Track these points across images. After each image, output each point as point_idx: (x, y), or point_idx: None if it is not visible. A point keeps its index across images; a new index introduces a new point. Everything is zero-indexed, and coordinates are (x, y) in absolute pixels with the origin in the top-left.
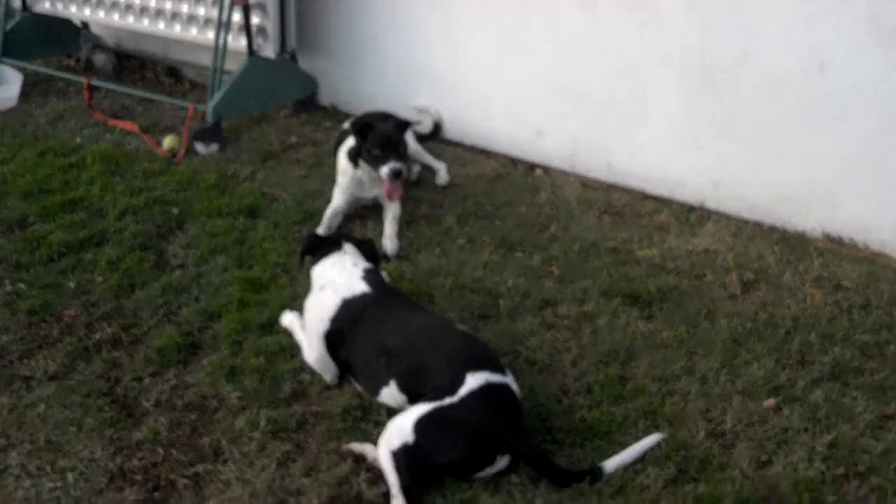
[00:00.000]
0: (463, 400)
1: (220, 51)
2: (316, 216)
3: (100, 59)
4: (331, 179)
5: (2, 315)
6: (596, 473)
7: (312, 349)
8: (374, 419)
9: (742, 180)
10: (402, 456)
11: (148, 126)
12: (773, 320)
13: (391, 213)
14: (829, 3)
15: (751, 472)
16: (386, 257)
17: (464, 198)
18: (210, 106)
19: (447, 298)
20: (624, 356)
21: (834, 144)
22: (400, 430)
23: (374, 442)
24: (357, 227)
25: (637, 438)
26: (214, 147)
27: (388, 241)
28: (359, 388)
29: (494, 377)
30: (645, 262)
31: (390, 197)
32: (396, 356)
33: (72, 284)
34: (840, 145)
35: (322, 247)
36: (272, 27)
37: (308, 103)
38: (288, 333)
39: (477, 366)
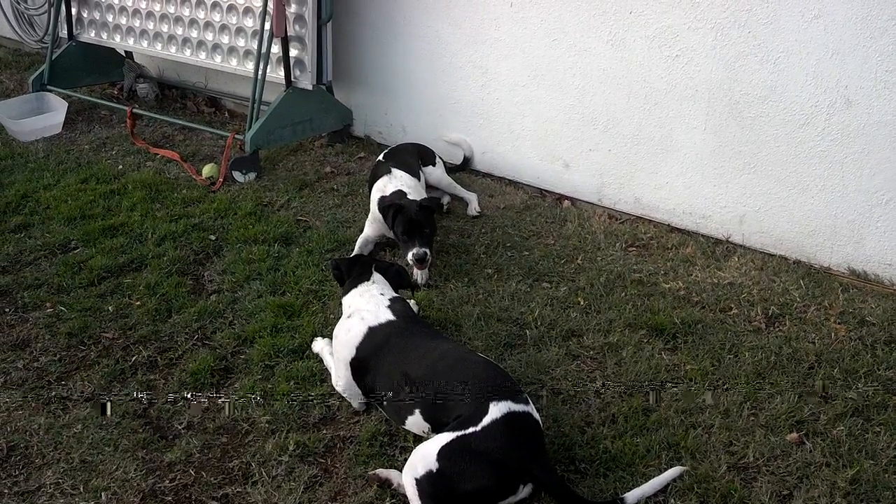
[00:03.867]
0: (486, 429)
1: (258, 82)
2: (348, 244)
3: (143, 88)
4: (363, 209)
5: (42, 337)
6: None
7: (340, 376)
8: (400, 445)
9: (767, 215)
10: (426, 483)
11: (188, 154)
12: (796, 355)
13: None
14: (856, 38)
15: None
16: (416, 286)
17: (493, 228)
18: (248, 136)
19: (474, 327)
20: (647, 388)
21: (859, 180)
22: (424, 457)
23: (400, 468)
24: (388, 254)
25: (660, 470)
26: (252, 176)
27: (419, 272)
28: (384, 413)
29: (517, 406)
30: (670, 294)
31: (418, 277)
32: (420, 385)
33: (110, 308)
34: (865, 181)
35: (351, 273)
36: (309, 59)
37: (343, 134)
38: (319, 359)
39: (499, 395)
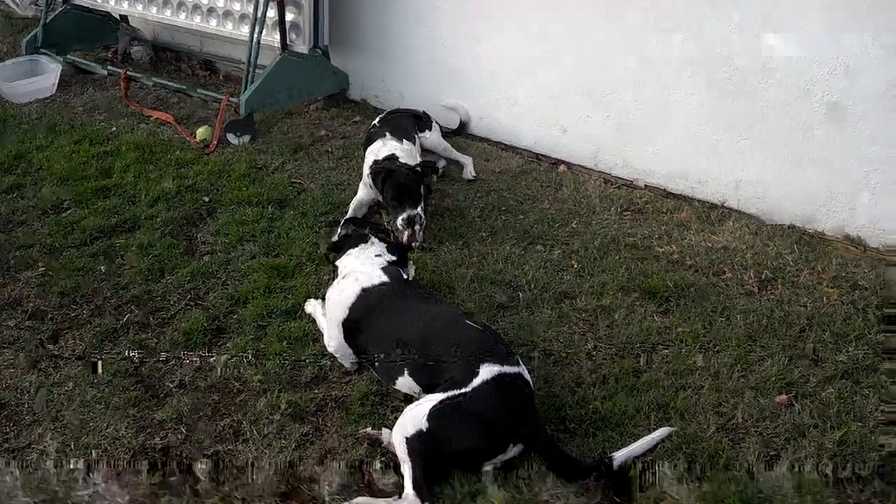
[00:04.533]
0: (476, 390)
1: (254, 46)
2: (342, 207)
3: (137, 51)
4: (357, 172)
5: (34, 296)
6: (606, 464)
7: (332, 336)
8: (391, 405)
9: (763, 181)
10: (416, 442)
11: (182, 117)
12: (788, 318)
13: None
14: (856, 11)
15: (758, 470)
16: (410, 248)
17: (488, 192)
18: (243, 99)
19: (468, 289)
20: (639, 350)
21: (856, 147)
22: (415, 417)
23: (391, 428)
24: (383, 216)
25: (648, 430)
26: (246, 138)
27: (418, 235)
28: (375, 374)
29: (507, 368)
30: (664, 258)
31: (407, 241)
32: (413, 347)
33: (103, 268)
34: (862, 148)
35: (351, 238)
36: (305, 23)
37: (339, 98)
38: (311, 320)
39: (490, 357)
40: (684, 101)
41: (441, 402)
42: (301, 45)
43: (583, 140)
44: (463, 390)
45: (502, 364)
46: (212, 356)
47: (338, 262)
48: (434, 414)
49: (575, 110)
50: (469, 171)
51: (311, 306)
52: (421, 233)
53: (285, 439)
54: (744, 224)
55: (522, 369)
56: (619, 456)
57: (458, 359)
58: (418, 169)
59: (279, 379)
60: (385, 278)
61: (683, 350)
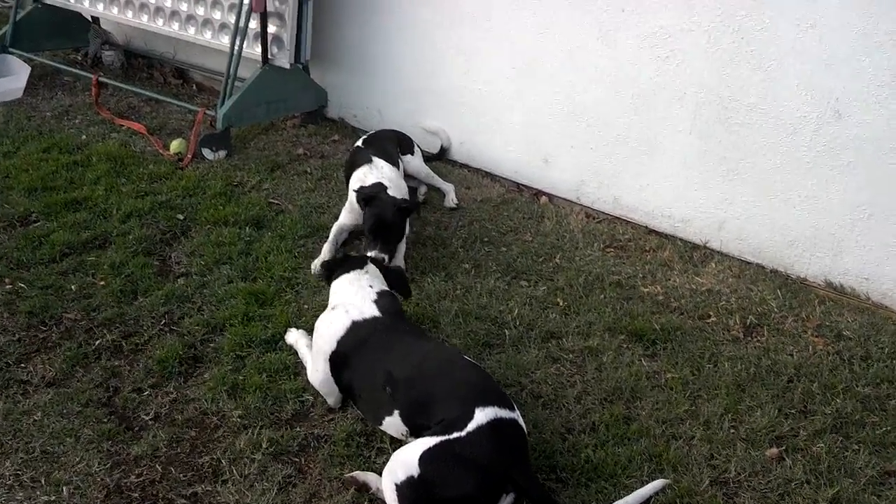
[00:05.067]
0: (471, 435)
1: (234, 57)
2: (322, 231)
3: (108, 55)
4: (337, 194)
5: (0, 315)
6: None
7: (317, 370)
8: (377, 446)
9: (748, 222)
10: (407, 489)
11: (155, 128)
12: (775, 367)
13: (399, 251)
14: (851, 51)
15: None
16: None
17: (470, 221)
18: (221, 112)
19: (452, 324)
20: (628, 395)
21: (844, 193)
22: (405, 462)
23: (377, 471)
24: (361, 244)
25: (642, 482)
26: (222, 154)
27: (396, 262)
28: (359, 413)
29: (503, 412)
30: (649, 298)
31: None
32: (403, 387)
33: (73, 287)
34: (850, 194)
35: (345, 264)
36: (288, 37)
37: (317, 115)
38: (293, 351)
39: (485, 400)
40: (673, 136)
41: (434, 445)
42: (283, 59)
43: (566, 171)
44: (457, 434)
45: (498, 408)
46: (188, 387)
47: (331, 287)
48: (426, 458)
49: (559, 140)
50: (451, 199)
51: (293, 337)
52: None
53: (268, 481)
54: (726, 266)
55: (517, 415)
56: None
57: (451, 400)
58: (405, 205)
59: (260, 414)
60: (377, 312)
61: (673, 397)
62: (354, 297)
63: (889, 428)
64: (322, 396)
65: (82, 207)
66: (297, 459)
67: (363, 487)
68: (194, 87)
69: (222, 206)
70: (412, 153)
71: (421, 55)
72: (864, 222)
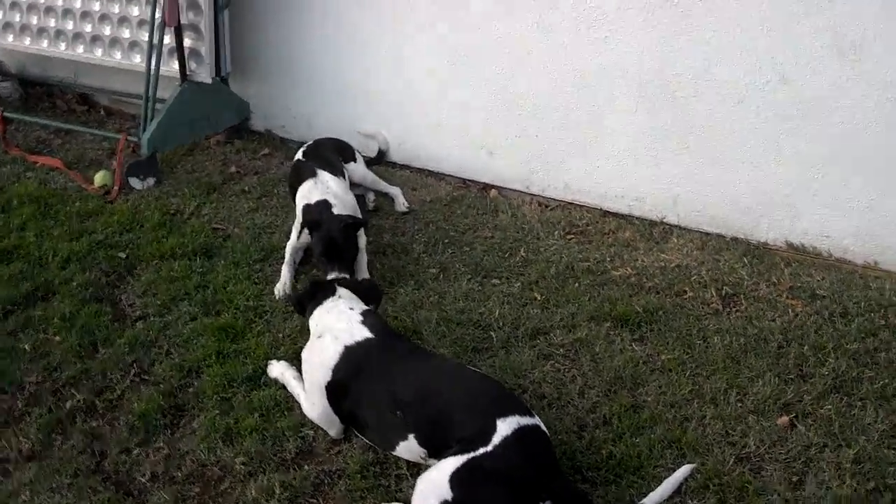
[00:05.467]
0: (497, 448)
1: (152, 77)
2: (275, 252)
3: (4, 87)
4: (283, 211)
5: None
6: None
7: (314, 403)
8: (394, 474)
9: (702, 194)
10: None
11: (72, 161)
12: (762, 335)
13: (360, 263)
14: (790, 16)
15: (789, 495)
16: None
17: (425, 224)
18: (145, 137)
19: (435, 333)
20: (630, 383)
21: (796, 155)
22: (435, 486)
23: (403, 500)
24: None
25: (667, 470)
26: (151, 181)
27: (362, 275)
28: (367, 441)
29: (525, 420)
30: (622, 281)
31: None
32: (413, 408)
33: (26, 346)
34: (802, 156)
35: (314, 294)
36: (207, 50)
37: (241, 129)
38: (279, 385)
39: (505, 410)
40: (618, 116)
41: (462, 465)
42: (203, 74)
43: (512, 162)
44: (483, 449)
45: (519, 416)
46: (179, 439)
47: (309, 322)
48: (456, 480)
49: (502, 130)
50: (402, 203)
51: (277, 370)
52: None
53: None
54: (688, 240)
55: (538, 419)
56: (650, 501)
57: (469, 415)
58: (351, 222)
59: (262, 458)
60: (368, 333)
61: (674, 379)
62: (339, 323)
63: (887, 381)
64: (322, 429)
65: (14, 257)
66: (314, 501)
67: None
68: (102, 113)
69: (164, 238)
70: (355, 160)
71: (350, 58)
72: (819, 182)
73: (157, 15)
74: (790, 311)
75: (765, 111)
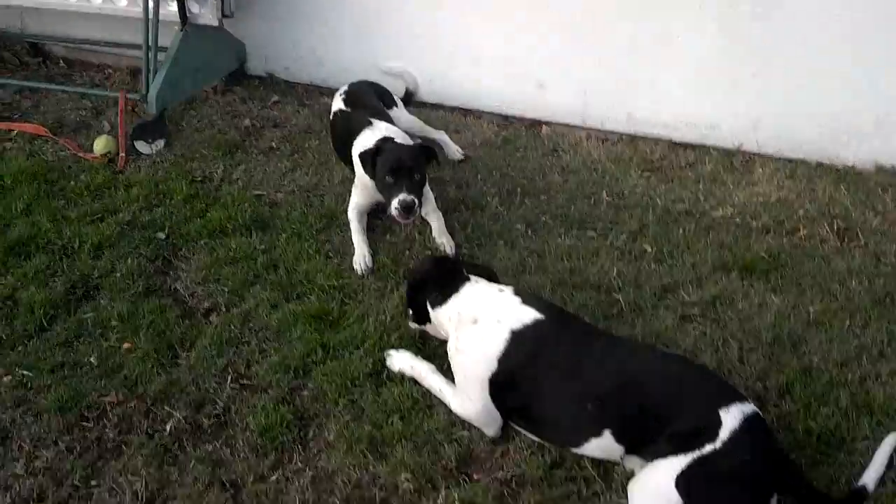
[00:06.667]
0: (727, 444)
1: (152, 22)
2: (335, 219)
3: None
4: (323, 168)
5: (23, 421)
6: (860, 493)
7: (473, 399)
8: (580, 476)
9: (785, 117)
10: None
11: (53, 126)
12: None
13: (428, 204)
14: None
15: None
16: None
17: (488, 173)
18: (152, 93)
19: (556, 301)
20: (789, 342)
21: (887, 68)
22: (660, 493)
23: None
24: (387, 223)
25: (871, 442)
26: (160, 143)
27: (443, 238)
28: (528, 435)
29: (745, 407)
30: (727, 223)
31: (404, 222)
32: (610, 400)
33: (92, 360)
34: (891, 69)
35: (439, 284)
36: None
37: (239, 74)
38: (407, 379)
39: (725, 399)
40: (689, 35)
41: (689, 466)
42: (209, 16)
43: (565, 94)
44: (711, 446)
45: (740, 403)
46: (316, 457)
47: (440, 315)
48: (686, 483)
49: (553, 59)
50: (455, 150)
51: (402, 362)
52: (450, 239)
53: None
54: (774, 169)
55: (752, 404)
56: (870, 480)
57: (682, 406)
58: (424, 146)
59: (424, 471)
60: (536, 313)
61: (833, 334)
62: (496, 303)
63: None
64: (476, 428)
65: (34, 249)
66: None
67: None
68: (62, 64)
69: (204, 211)
70: (396, 105)
71: None
72: None
73: None
74: None
75: (851, 20)
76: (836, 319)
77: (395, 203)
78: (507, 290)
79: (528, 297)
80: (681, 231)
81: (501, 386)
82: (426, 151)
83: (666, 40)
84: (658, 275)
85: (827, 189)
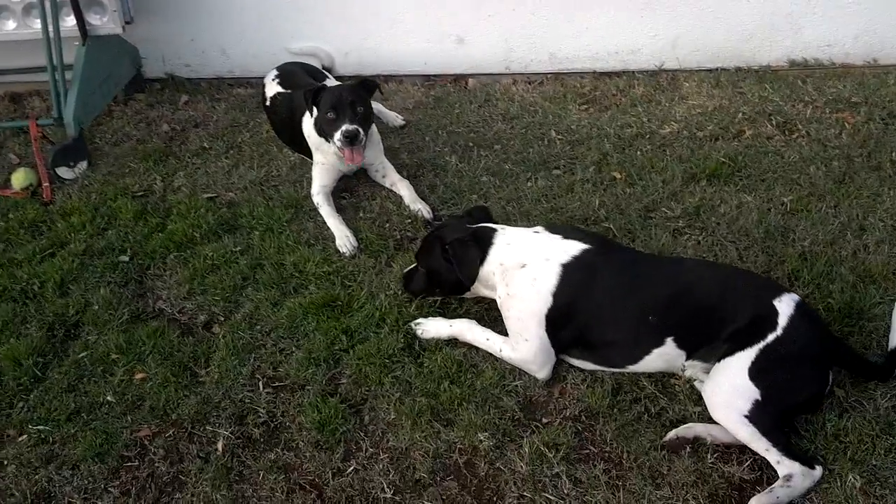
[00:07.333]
0: (787, 329)
1: (54, 40)
2: (302, 206)
3: None
4: (264, 158)
5: (61, 477)
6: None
7: (527, 340)
8: (642, 395)
9: (701, 30)
10: (760, 414)
11: None
12: (844, 152)
13: (388, 172)
14: None
15: None
16: (428, 223)
17: (435, 133)
18: (69, 115)
19: None
20: (778, 234)
21: None
22: (737, 389)
23: (677, 422)
24: (353, 200)
25: (883, 305)
26: (83, 166)
27: (418, 205)
28: (583, 365)
29: (792, 296)
30: (677, 137)
31: (353, 161)
32: (668, 309)
33: (109, 398)
34: None
35: (475, 238)
36: None
37: (139, 81)
38: (443, 344)
39: (773, 291)
40: None
41: (757, 357)
42: (111, 25)
43: (487, 44)
44: (774, 334)
45: (786, 292)
46: (385, 441)
47: (483, 270)
48: (759, 373)
49: (472, 12)
50: (395, 117)
51: (438, 326)
52: (363, 151)
53: (595, 489)
54: (699, 81)
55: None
56: None
57: (736, 303)
58: (365, 80)
59: (497, 426)
60: (581, 244)
61: (813, 218)
62: (538, 244)
63: None
64: (527, 375)
65: None
66: (594, 449)
67: (694, 442)
68: None
69: (160, 225)
70: (328, 79)
71: None
72: None
73: None
74: (845, 123)
75: None
76: (809, 205)
77: (337, 135)
78: (541, 230)
79: (567, 231)
80: (639, 153)
81: (557, 321)
82: (366, 84)
83: None
84: (636, 197)
85: (753, 90)
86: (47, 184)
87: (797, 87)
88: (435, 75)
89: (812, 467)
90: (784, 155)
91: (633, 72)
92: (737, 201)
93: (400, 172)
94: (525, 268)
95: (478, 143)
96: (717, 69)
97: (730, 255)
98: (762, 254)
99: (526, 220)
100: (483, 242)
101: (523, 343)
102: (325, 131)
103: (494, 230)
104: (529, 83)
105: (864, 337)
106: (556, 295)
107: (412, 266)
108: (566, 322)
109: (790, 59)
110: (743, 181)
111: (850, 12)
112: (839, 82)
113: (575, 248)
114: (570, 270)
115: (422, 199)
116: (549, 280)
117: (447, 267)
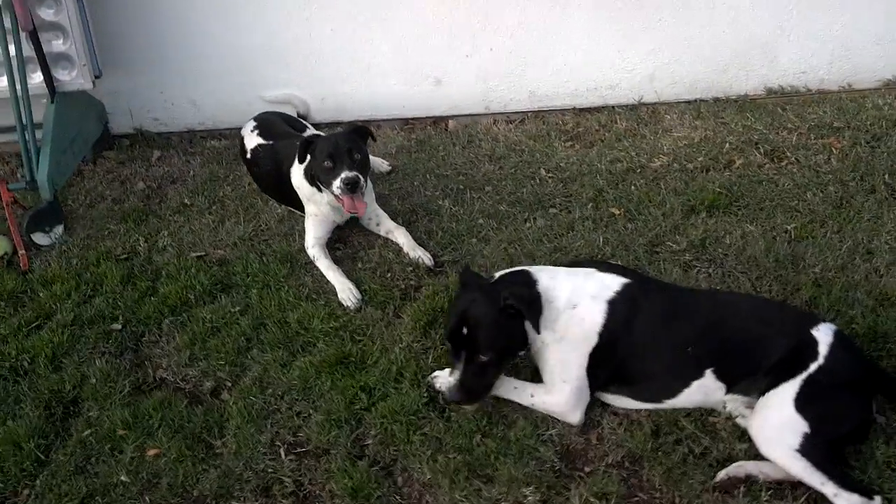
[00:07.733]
0: (829, 358)
1: (22, 99)
2: (297, 260)
3: None
4: (250, 213)
5: None
6: None
7: (569, 381)
8: (683, 436)
9: (678, 64)
10: (811, 448)
11: None
12: (837, 177)
13: (383, 220)
14: None
15: None
16: (430, 271)
17: (423, 178)
18: (42, 177)
19: None
20: (787, 262)
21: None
22: (785, 422)
23: (728, 461)
24: (349, 250)
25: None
26: (59, 230)
27: (418, 252)
28: (619, 402)
29: (828, 324)
30: (666, 170)
31: (354, 210)
32: (709, 339)
33: (123, 478)
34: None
35: (529, 294)
36: (80, 50)
37: (107, 138)
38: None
39: (808, 320)
40: (577, 2)
41: (801, 388)
42: (81, 80)
43: (465, 84)
44: (816, 364)
45: (822, 321)
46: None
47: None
48: (805, 406)
49: (448, 53)
50: (381, 163)
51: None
52: (362, 199)
53: None
54: (680, 113)
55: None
56: None
57: (774, 335)
58: (359, 126)
59: (539, 481)
60: (621, 279)
61: (818, 244)
62: (581, 282)
63: None
64: (560, 423)
65: None
66: (643, 496)
67: (746, 481)
68: None
69: (151, 289)
70: (308, 129)
71: (247, 20)
72: (794, 20)
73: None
74: (832, 149)
75: None
76: (814, 232)
77: (337, 182)
78: (581, 268)
79: (604, 266)
80: (633, 188)
81: (600, 358)
82: (360, 130)
83: (553, 13)
84: (638, 232)
85: (736, 120)
86: (23, 251)
87: (778, 115)
88: (414, 118)
89: (871, 498)
90: (778, 182)
91: (613, 106)
92: (740, 231)
93: (394, 219)
94: (576, 308)
95: (468, 186)
96: (696, 100)
97: (743, 285)
98: (776, 283)
99: (531, 261)
100: (529, 285)
101: (560, 385)
102: (321, 181)
103: (527, 271)
104: (510, 122)
105: (893, 360)
106: (602, 333)
107: (457, 367)
108: (608, 358)
109: (767, 88)
110: (742, 211)
111: (823, 39)
112: (818, 108)
113: (617, 282)
114: (616, 307)
115: (420, 245)
116: (595, 319)
117: (514, 324)
